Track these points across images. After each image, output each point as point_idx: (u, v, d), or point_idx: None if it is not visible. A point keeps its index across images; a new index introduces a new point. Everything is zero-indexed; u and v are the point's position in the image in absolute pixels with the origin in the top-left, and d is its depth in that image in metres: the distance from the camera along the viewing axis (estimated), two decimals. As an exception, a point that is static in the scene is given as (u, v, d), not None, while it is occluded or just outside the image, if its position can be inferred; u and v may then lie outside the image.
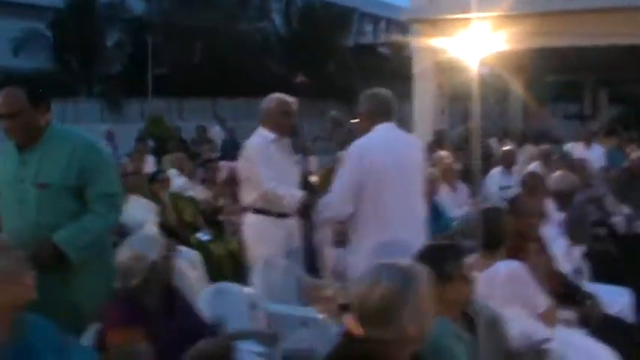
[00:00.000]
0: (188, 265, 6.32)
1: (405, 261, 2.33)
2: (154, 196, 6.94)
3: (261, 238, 4.93)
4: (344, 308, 5.23)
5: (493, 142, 13.01)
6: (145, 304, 3.22)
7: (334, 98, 26.98)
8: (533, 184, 5.28)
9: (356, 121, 4.71)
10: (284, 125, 5.09)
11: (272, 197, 4.81)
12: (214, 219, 7.54)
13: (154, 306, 3.25)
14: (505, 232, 3.80)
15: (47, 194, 3.52)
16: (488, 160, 10.73)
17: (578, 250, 5.14)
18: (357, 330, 2.24)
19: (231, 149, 13.79)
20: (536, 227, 4.24)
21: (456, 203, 7.22)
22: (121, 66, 31.39)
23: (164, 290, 3.33)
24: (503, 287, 3.56)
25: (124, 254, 3.28)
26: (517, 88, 18.19)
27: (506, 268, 3.64)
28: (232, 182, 8.37)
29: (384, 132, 4.28)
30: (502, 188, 8.26)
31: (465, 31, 12.00)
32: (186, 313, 3.40)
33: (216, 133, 15.55)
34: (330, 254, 5.10)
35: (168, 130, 14.60)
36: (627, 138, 12.53)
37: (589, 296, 4.26)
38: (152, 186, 7.12)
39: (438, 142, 12.42)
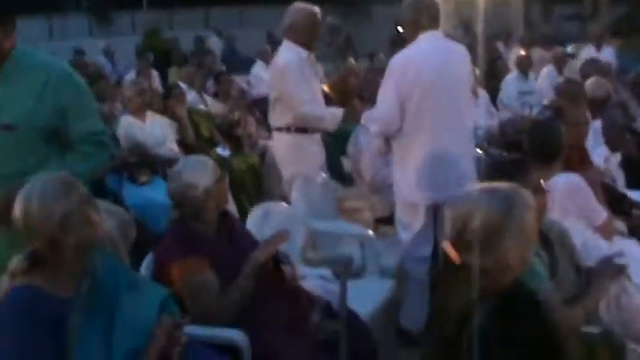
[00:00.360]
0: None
1: (506, 185, 2.19)
2: (170, 113, 6.77)
3: (299, 156, 4.78)
4: (380, 221, 5.22)
5: (499, 45, 12.77)
6: (201, 232, 3.11)
7: (330, 3, 26.28)
8: (575, 92, 5.12)
9: (400, 29, 4.53)
10: (314, 39, 4.88)
11: (312, 119, 4.68)
12: (231, 133, 7.37)
13: (212, 233, 3.15)
14: (562, 145, 3.68)
15: (13, 137, 2.89)
16: (495, 64, 10.55)
17: (615, 158, 5.06)
18: (455, 257, 2.14)
19: (232, 60, 13.54)
20: (585, 137, 4.13)
21: (479, 111, 7.08)
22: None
23: (219, 216, 3.22)
24: (562, 200, 3.47)
25: (175, 182, 3.16)
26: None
27: (565, 181, 3.54)
28: (244, 95, 8.24)
29: (429, 41, 4.09)
30: (521, 94, 8.13)
31: None
32: (243, 238, 3.30)
33: (215, 43, 15.09)
34: (368, 166, 5.00)
35: (166, 43, 14.19)
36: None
37: (637, 205, 4.20)
38: (167, 102, 6.92)
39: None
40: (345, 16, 23.25)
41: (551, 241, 2.87)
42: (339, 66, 9.89)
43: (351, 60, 9.92)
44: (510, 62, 10.53)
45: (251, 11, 26.56)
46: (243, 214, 5.92)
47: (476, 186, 2.26)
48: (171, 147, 6.36)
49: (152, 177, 5.89)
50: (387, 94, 4.09)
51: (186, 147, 6.57)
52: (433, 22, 4.11)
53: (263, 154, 7.35)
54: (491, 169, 2.97)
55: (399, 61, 4.11)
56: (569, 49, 12.73)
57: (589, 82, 5.57)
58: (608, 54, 10.62)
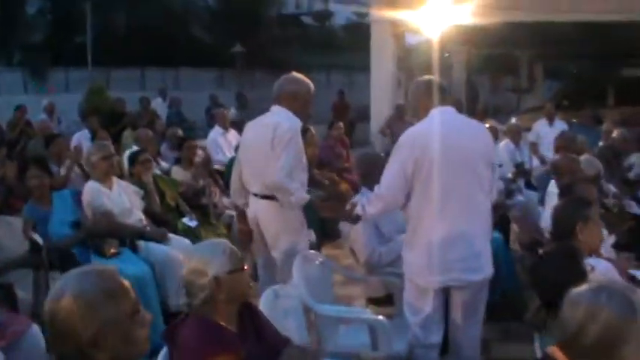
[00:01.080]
0: (180, 255, 5.87)
1: (621, 284, 1.98)
2: (135, 179, 6.41)
3: (290, 227, 4.56)
4: (372, 302, 4.96)
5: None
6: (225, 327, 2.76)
7: (266, 68, 26.45)
8: (575, 170, 5.04)
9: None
10: (308, 111, 4.76)
11: (283, 191, 4.50)
12: (196, 202, 7.03)
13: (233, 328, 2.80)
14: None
15: None
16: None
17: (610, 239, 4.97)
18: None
19: (178, 123, 13.15)
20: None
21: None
22: (42, 34, 29.83)
23: (242, 309, 2.87)
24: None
25: (185, 266, 2.83)
26: (460, 60, 18.19)
27: (600, 267, 3.37)
28: (209, 163, 7.94)
29: (439, 117, 3.90)
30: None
31: (423, 5, 11.88)
32: (267, 330, 2.95)
33: (158, 105, 14.73)
34: (363, 245, 4.75)
35: (111, 103, 13.71)
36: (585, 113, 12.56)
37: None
38: (132, 168, 6.56)
39: (398, 115, 12.18)
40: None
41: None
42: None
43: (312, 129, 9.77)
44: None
45: (187, 73, 26.45)
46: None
47: (588, 284, 2.02)
48: (139, 216, 5.99)
49: (120, 249, 5.48)
50: (391, 170, 3.87)
51: (152, 216, 6.19)
52: (442, 100, 3.96)
53: (229, 224, 7.04)
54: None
55: (407, 137, 3.91)
56: (514, 120, 12.92)
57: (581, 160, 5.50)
58: (560, 127, 10.74)
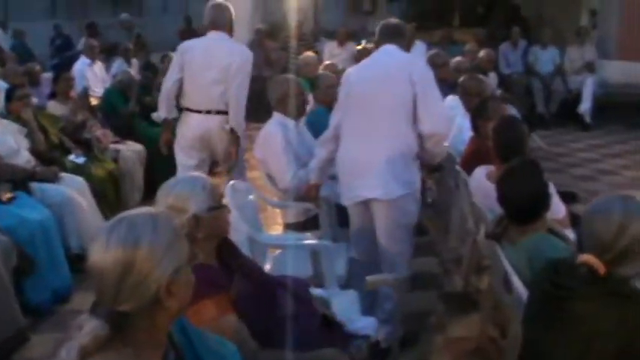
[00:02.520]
0: (76, 193, 5.63)
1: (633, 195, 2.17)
2: (14, 117, 5.97)
3: None
4: (290, 227, 5.01)
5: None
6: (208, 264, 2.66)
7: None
8: (481, 90, 5.25)
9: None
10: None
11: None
12: (78, 137, 6.67)
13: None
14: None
15: None
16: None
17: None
18: (601, 268, 2.05)
19: (25, 56, 12.29)
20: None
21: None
22: None
23: (220, 244, 2.76)
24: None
25: (161, 203, 2.63)
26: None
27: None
28: (87, 96, 7.57)
29: (375, 55, 4.26)
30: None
31: None
32: (252, 267, 2.88)
33: (0, 37, 13.70)
34: (281, 172, 4.79)
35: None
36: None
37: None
38: (10, 105, 6.10)
39: (259, 40, 11.98)
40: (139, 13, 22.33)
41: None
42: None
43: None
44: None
45: (18, 2, 24.57)
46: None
47: (610, 197, 2.18)
48: (27, 156, 5.63)
49: (15, 193, 5.14)
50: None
51: (38, 155, 5.84)
52: (388, 38, 4.21)
53: (115, 159, 6.79)
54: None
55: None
56: (364, 43, 13.10)
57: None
58: (420, 48, 11.02)
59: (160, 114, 5.65)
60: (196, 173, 2.94)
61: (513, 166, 3.03)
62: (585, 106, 11.26)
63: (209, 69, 5.26)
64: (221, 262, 2.74)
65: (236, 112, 5.24)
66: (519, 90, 11.42)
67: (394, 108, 3.99)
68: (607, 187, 7.68)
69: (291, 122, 4.96)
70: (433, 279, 5.14)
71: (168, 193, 2.66)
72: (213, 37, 5.39)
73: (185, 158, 5.43)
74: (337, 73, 6.63)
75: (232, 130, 5.27)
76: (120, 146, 6.96)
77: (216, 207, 2.69)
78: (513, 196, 2.91)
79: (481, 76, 5.66)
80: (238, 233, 3.68)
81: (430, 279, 5.10)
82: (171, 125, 5.61)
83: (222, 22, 5.37)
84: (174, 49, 5.99)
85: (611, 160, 9.30)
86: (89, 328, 1.64)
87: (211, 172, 6.29)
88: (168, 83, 5.44)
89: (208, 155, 5.54)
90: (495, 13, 16.42)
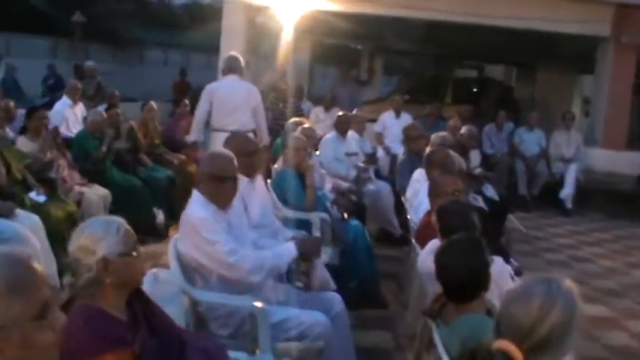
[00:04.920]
0: (29, 232, 5.46)
1: (558, 279, 2.03)
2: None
3: None
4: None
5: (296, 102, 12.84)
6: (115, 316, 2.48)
7: (102, 40, 25.27)
8: (446, 163, 5.17)
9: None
10: None
11: None
12: (43, 176, 6.55)
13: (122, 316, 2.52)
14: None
15: None
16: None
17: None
18: (518, 357, 1.91)
19: (15, 92, 12.34)
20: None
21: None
22: None
23: (131, 295, 2.59)
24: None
25: (74, 241, 2.53)
26: (305, 48, 18.24)
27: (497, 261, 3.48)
28: (58, 135, 7.48)
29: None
30: (348, 155, 8.15)
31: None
32: (162, 322, 2.67)
33: (-8, 72, 13.78)
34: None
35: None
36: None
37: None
38: (-27, 137, 6.01)
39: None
40: (114, 53, 22.43)
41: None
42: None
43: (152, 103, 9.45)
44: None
45: (18, 39, 24.75)
46: (62, 269, 5.24)
47: (528, 279, 2.05)
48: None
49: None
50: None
51: (-2, 190, 5.71)
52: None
53: (79, 201, 6.66)
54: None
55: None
56: (355, 111, 13.12)
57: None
58: (406, 120, 11.03)
59: (192, 137, 7.83)
60: (115, 217, 2.75)
61: (453, 240, 2.92)
62: (567, 192, 11.22)
63: (232, 101, 7.47)
64: (130, 316, 2.56)
65: (264, 131, 7.73)
66: (502, 170, 11.40)
67: None
68: (579, 275, 7.52)
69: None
70: (385, 354, 5.01)
71: (81, 233, 2.54)
72: (231, 78, 7.68)
73: None
74: (311, 139, 6.60)
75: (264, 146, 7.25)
76: (85, 189, 6.85)
77: (128, 253, 2.54)
78: (449, 271, 2.79)
79: (450, 151, 5.56)
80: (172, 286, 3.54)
81: (382, 354, 4.97)
82: (198, 146, 7.85)
83: (237, 68, 7.67)
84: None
85: (587, 248, 9.19)
86: None
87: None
88: (200, 113, 7.64)
89: None
90: (487, 92, 16.58)
